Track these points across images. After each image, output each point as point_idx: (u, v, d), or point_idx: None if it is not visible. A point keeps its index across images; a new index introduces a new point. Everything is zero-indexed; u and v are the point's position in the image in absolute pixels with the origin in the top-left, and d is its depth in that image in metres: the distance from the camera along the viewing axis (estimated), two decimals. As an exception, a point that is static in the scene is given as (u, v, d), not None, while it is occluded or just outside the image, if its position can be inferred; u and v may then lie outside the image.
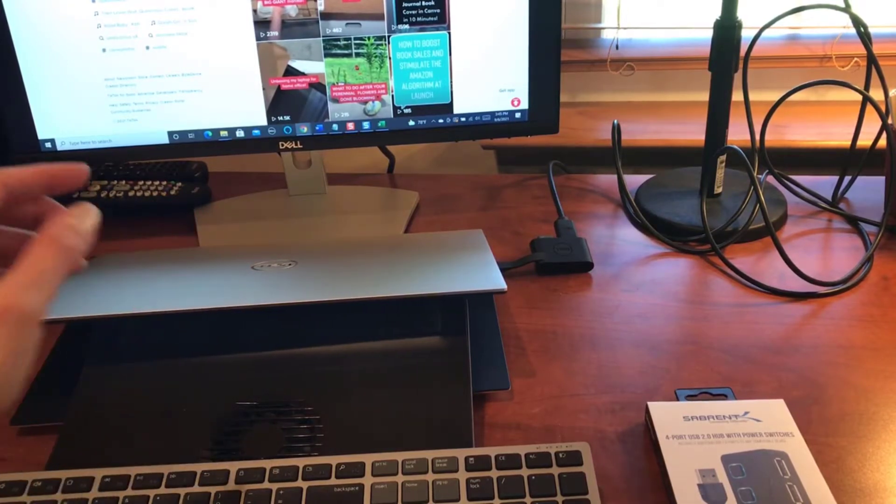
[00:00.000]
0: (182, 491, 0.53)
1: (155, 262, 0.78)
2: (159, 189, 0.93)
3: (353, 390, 0.61)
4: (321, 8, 0.79)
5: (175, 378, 0.63)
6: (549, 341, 0.70)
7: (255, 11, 0.79)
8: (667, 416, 0.58)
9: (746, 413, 0.57)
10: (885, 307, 0.73)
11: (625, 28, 1.24)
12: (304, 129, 0.84)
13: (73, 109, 0.82)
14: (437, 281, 0.67)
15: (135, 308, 0.64)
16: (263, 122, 0.83)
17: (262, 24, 0.79)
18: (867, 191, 0.92)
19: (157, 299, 0.67)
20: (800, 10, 0.81)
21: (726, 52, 0.81)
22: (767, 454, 0.54)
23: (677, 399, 0.62)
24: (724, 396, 0.62)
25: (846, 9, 0.80)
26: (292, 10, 0.79)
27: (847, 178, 0.91)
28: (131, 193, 0.93)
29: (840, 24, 1.20)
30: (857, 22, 0.81)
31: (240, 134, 0.84)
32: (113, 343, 0.66)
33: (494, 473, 0.53)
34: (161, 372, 0.64)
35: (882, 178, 0.88)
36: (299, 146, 0.85)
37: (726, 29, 0.80)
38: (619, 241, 0.85)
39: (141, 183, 0.94)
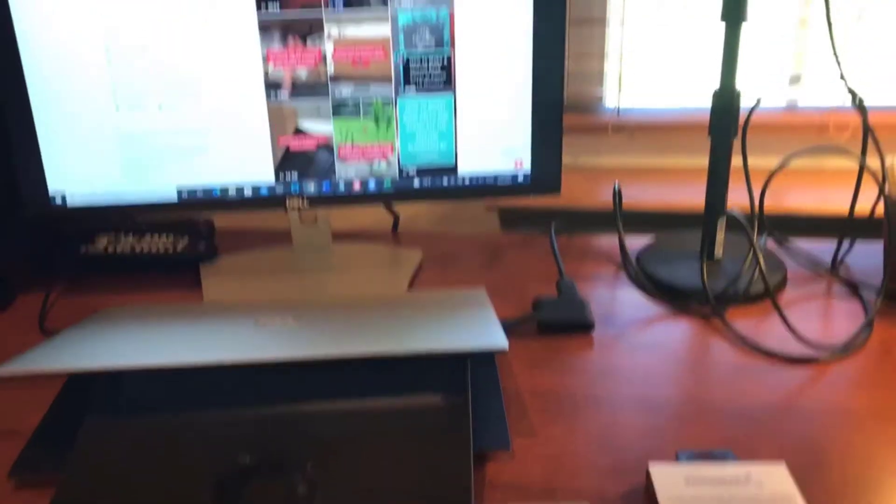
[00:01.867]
0: (180, 546, 0.52)
1: (159, 316, 0.79)
2: (166, 244, 0.94)
3: (353, 448, 0.61)
4: (331, 71, 0.81)
5: (176, 433, 0.63)
6: (551, 401, 0.70)
7: (266, 73, 0.81)
8: (668, 478, 0.57)
9: (748, 476, 0.57)
10: (885, 373, 0.73)
11: (626, 96, 1.27)
12: (311, 188, 0.86)
13: (84, 165, 0.83)
14: (439, 339, 0.68)
15: (137, 361, 0.64)
16: (271, 180, 0.85)
17: (272, 86, 0.81)
18: (866, 256, 0.93)
19: (160, 353, 0.67)
20: (797, 82, 0.84)
21: (725, 119, 0.83)
22: (769, 518, 0.53)
23: (678, 461, 0.62)
24: (725, 459, 0.62)
25: (842, 80, 0.82)
26: (303, 73, 0.81)
27: (846, 244, 0.92)
28: (138, 249, 0.94)
29: (837, 96, 1.23)
30: (853, 93, 0.83)
31: (248, 192, 0.85)
32: (115, 396, 0.66)
33: (495, 533, 0.52)
34: (162, 427, 0.64)
35: (880, 244, 0.89)
36: (306, 204, 0.86)
37: (725, 99, 0.82)
38: (620, 302, 0.86)
39: (148, 237, 0.95)
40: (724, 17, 0.79)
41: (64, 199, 0.84)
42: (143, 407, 0.65)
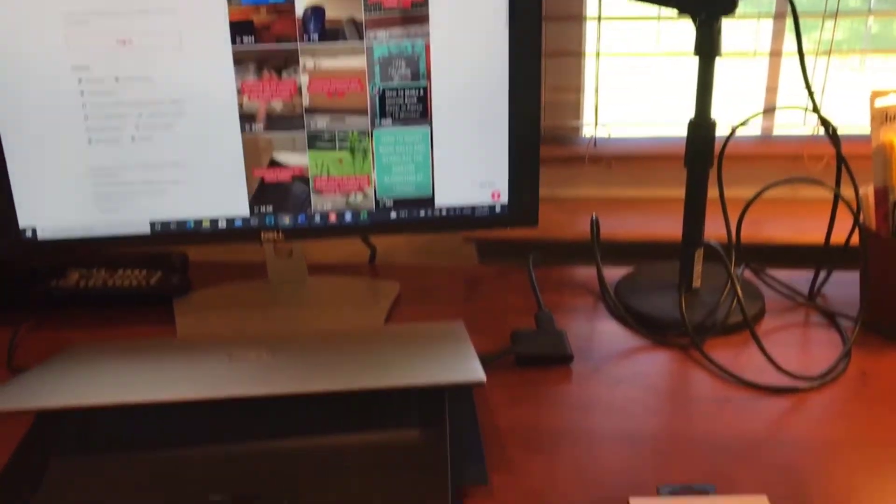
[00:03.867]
0: (147, 591, 0.51)
1: (130, 352, 0.77)
2: (139, 278, 0.93)
3: (329, 483, 0.60)
4: (306, 103, 0.81)
5: (147, 471, 0.61)
6: (530, 435, 0.69)
7: (240, 105, 0.80)
8: (649, 512, 0.56)
9: (729, 510, 0.56)
10: (864, 402, 0.73)
11: (602, 126, 1.28)
12: (286, 221, 0.85)
13: (55, 198, 0.82)
14: (416, 372, 0.67)
15: (107, 399, 0.63)
16: (246, 212, 0.84)
17: (247, 118, 0.81)
18: (843, 286, 0.94)
19: (130, 390, 0.66)
20: (770, 111, 0.84)
21: (701, 150, 0.83)
22: (751, 553, 0.53)
23: (659, 494, 0.61)
24: (706, 492, 0.61)
25: (815, 110, 0.83)
26: (278, 105, 0.81)
27: (822, 274, 0.93)
28: (110, 283, 0.92)
29: (811, 126, 1.24)
30: (826, 124, 0.84)
31: (222, 224, 0.84)
32: (84, 434, 0.65)
33: (473, 573, 0.51)
34: (133, 464, 0.62)
35: (857, 274, 0.89)
36: (281, 237, 0.85)
37: (700, 129, 0.83)
38: (598, 334, 0.86)
39: (120, 272, 0.94)
40: (698, 51, 0.80)
41: (35, 232, 0.83)
42: (114, 445, 0.64)
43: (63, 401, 0.63)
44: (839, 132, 0.85)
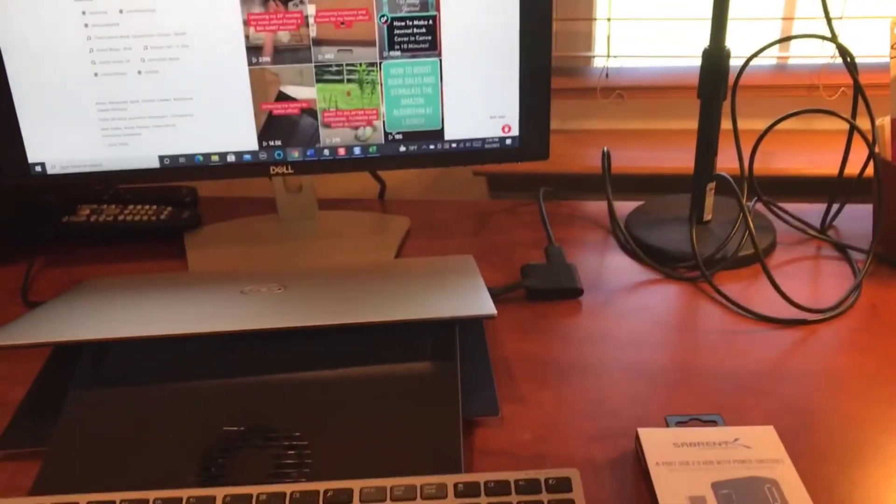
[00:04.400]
0: (167, 518, 0.52)
1: (143, 286, 0.78)
2: (149, 214, 0.93)
3: (341, 416, 0.61)
4: (313, 34, 0.79)
5: (162, 403, 0.63)
6: (539, 367, 0.70)
7: (247, 37, 0.79)
8: (657, 442, 0.57)
9: (737, 440, 0.57)
10: (873, 334, 0.73)
11: (615, 57, 1.26)
12: (295, 155, 0.84)
13: (63, 133, 0.82)
14: (427, 306, 0.67)
15: (122, 332, 0.64)
16: (255, 147, 0.84)
17: (254, 50, 0.80)
18: (855, 219, 0.93)
19: (145, 324, 0.66)
20: (787, 40, 0.83)
21: (714, 80, 0.82)
22: (758, 481, 0.54)
23: (667, 426, 0.62)
24: (714, 423, 0.62)
25: (833, 39, 0.81)
26: (284, 37, 0.79)
27: (835, 206, 0.92)
28: (121, 218, 0.93)
29: (827, 55, 1.22)
30: (843, 52, 0.82)
31: (231, 159, 0.84)
32: (99, 367, 0.66)
33: (483, 500, 0.52)
34: (148, 397, 0.63)
35: (870, 206, 0.89)
36: (290, 171, 0.85)
37: (714, 58, 0.81)
38: (608, 268, 0.86)
39: (131, 207, 0.94)
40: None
41: (44, 167, 0.83)
42: (129, 378, 0.65)
43: (79, 334, 0.64)
44: (856, 61, 0.83)
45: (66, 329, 0.65)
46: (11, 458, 0.62)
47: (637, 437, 0.59)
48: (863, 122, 0.81)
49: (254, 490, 0.53)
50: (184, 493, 0.53)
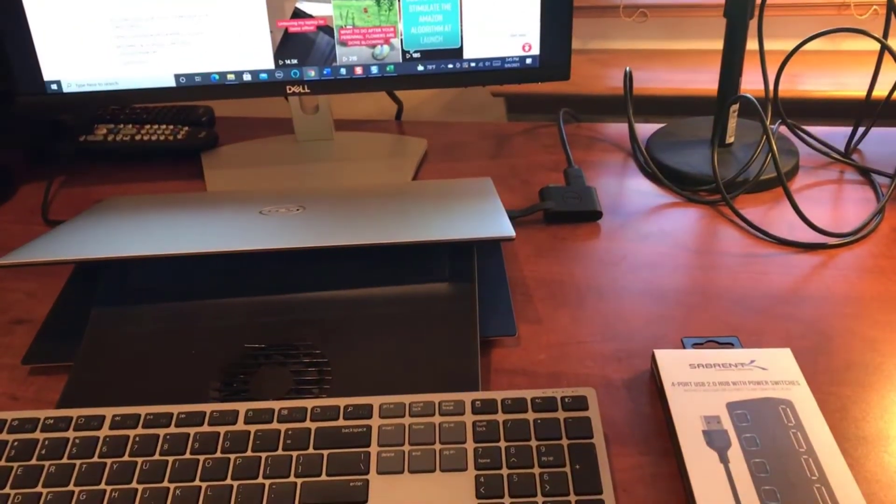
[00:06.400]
0: (191, 430, 0.53)
1: (163, 205, 0.78)
2: (166, 133, 0.93)
3: (361, 334, 0.62)
4: (330, -52, 0.77)
5: (183, 320, 0.63)
6: (557, 289, 0.70)
7: (262, -49, 0.77)
8: (673, 363, 0.58)
9: (752, 361, 0.57)
10: (894, 259, 0.72)
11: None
12: (311, 73, 0.83)
13: (79, 51, 0.81)
14: (446, 228, 0.67)
15: (143, 251, 0.64)
16: (271, 65, 0.83)
17: (269, -35, 0.78)
18: (881, 143, 0.91)
19: (166, 242, 0.67)
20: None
21: (743, -3, 0.79)
22: (772, 402, 0.54)
23: (684, 347, 0.62)
24: (730, 345, 0.62)
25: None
26: (300, -50, 0.77)
27: (861, 129, 0.90)
28: (138, 137, 0.92)
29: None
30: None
31: (247, 77, 0.83)
32: (121, 285, 0.67)
33: (500, 417, 0.53)
34: (169, 314, 0.64)
35: (896, 130, 0.87)
36: (306, 90, 0.84)
37: (743, -26, 0.78)
38: (628, 191, 0.85)
39: (147, 127, 0.94)
40: None
41: (60, 86, 0.82)
42: (151, 296, 0.65)
43: (100, 252, 0.64)
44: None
45: (89, 247, 0.66)
46: (38, 373, 0.63)
47: (653, 358, 0.59)
48: (894, 43, 0.79)
49: (275, 405, 0.55)
50: (207, 408, 0.55)
